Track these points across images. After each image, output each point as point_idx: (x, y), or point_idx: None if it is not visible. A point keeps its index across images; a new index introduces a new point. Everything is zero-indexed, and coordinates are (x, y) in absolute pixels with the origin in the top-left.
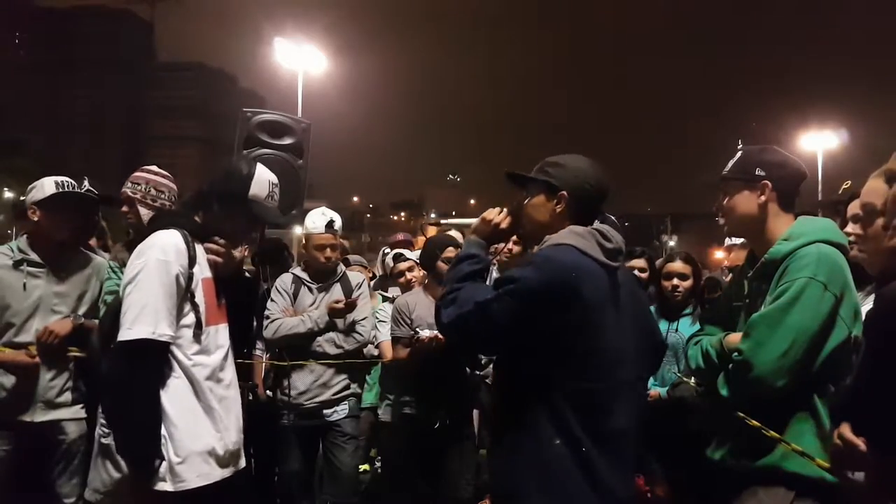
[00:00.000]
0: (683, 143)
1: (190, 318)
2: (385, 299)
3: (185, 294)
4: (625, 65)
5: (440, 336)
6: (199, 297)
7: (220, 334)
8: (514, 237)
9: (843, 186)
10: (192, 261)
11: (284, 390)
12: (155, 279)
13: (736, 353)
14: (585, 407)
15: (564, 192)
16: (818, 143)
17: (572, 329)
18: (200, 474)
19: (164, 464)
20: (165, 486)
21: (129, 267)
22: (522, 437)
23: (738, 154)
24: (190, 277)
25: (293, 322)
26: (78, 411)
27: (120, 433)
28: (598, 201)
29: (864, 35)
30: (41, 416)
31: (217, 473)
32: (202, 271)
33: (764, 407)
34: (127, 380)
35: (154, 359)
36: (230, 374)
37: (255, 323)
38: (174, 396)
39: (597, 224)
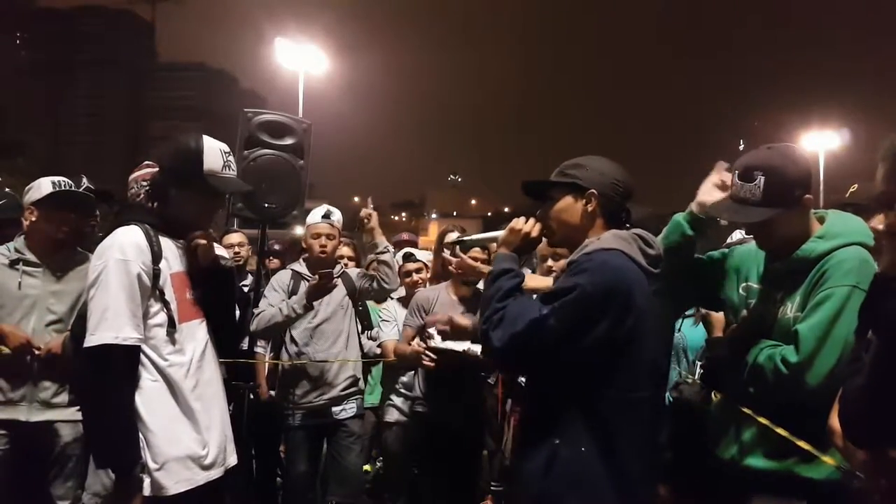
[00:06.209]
0: (684, 142)
1: (161, 317)
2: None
3: (152, 292)
4: (626, 64)
5: (454, 349)
6: (169, 294)
7: (195, 330)
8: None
9: (851, 190)
10: (156, 257)
11: (289, 390)
12: (115, 281)
13: (783, 366)
14: (621, 415)
15: (594, 191)
16: (819, 142)
17: (624, 336)
18: (180, 480)
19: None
20: (145, 493)
21: (90, 270)
22: (557, 444)
23: (762, 179)
24: (156, 274)
25: (272, 312)
26: (73, 414)
27: (94, 441)
28: (626, 198)
29: (866, 34)
30: (36, 415)
31: (201, 477)
32: (170, 266)
33: (797, 415)
34: (95, 386)
35: (121, 363)
36: (210, 370)
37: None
38: (150, 400)
39: (637, 230)
